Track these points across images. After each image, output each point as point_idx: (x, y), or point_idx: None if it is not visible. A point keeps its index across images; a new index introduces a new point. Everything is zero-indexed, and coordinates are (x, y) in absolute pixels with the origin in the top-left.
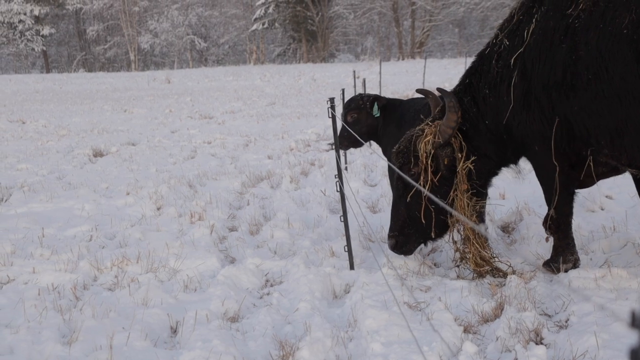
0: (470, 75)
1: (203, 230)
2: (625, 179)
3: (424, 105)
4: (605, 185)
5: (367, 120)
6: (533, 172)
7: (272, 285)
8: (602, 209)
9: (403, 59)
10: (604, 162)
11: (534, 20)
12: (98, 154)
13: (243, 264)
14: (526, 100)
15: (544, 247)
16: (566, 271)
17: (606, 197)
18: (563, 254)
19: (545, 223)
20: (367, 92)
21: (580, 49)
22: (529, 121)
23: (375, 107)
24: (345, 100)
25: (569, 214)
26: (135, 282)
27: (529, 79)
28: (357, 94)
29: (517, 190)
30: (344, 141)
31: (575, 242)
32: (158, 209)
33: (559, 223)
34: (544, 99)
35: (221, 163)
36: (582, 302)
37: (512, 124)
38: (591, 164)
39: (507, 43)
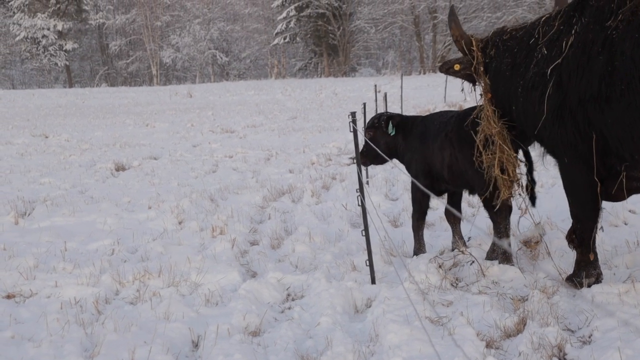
0: (509, 32)
1: (224, 244)
2: None
3: (450, 118)
4: (630, 200)
5: (383, 138)
6: (555, 186)
7: (293, 300)
8: (625, 224)
9: (425, 73)
10: (638, 177)
11: (573, 32)
12: (120, 168)
13: (264, 278)
14: (560, 113)
15: (567, 261)
16: (589, 286)
17: (630, 211)
18: (586, 268)
19: (569, 237)
20: (387, 111)
21: (615, 60)
22: (561, 134)
23: (390, 126)
24: (367, 115)
25: (593, 228)
26: (157, 296)
27: (565, 92)
28: (377, 113)
29: (539, 204)
30: (364, 158)
31: (599, 256)
32: (180, 223)
33: (582, 237)
34: (580, 113)
35: (242, 177)
36: (606, 317)
37: (543, 134)
38: (624, 180)
39: (546, 52)
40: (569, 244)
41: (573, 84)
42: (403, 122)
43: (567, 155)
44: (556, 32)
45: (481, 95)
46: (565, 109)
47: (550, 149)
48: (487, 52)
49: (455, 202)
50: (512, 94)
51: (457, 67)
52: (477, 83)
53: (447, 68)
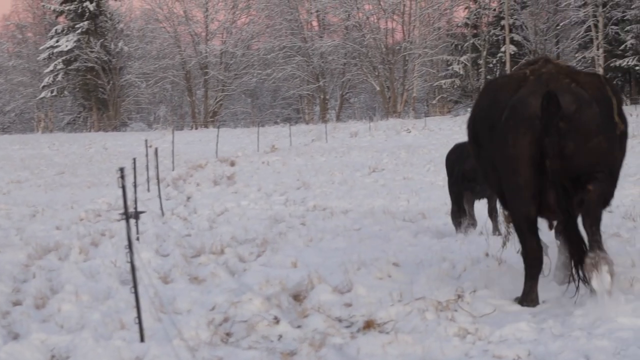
0: None
1: None
2: (407, 254)
3: None
4: (392, 252)
5: None
6: (323, 241)
7: None
8: (389, 276)
9: (197, 128)
10: None
11: None
12: None
13: (27, 340)
14: None
15: (335, 315)
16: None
17: (393, 264)
18: None
19: None
20: None
21: None
22: None
23: None
24: (137, 171)
25: None
26: None
27: None
28: None
29: (307, 258)
30: None
31: (364, 310)
32: None
33: None
34: None
35: (5, 234)
36: None
37: None
38: None
39: None
40: None
41: None
42: None
43: None
44: None
45: None
46: None
47: None
48: None
49: None
50: None
51: None
52: None
53: None
